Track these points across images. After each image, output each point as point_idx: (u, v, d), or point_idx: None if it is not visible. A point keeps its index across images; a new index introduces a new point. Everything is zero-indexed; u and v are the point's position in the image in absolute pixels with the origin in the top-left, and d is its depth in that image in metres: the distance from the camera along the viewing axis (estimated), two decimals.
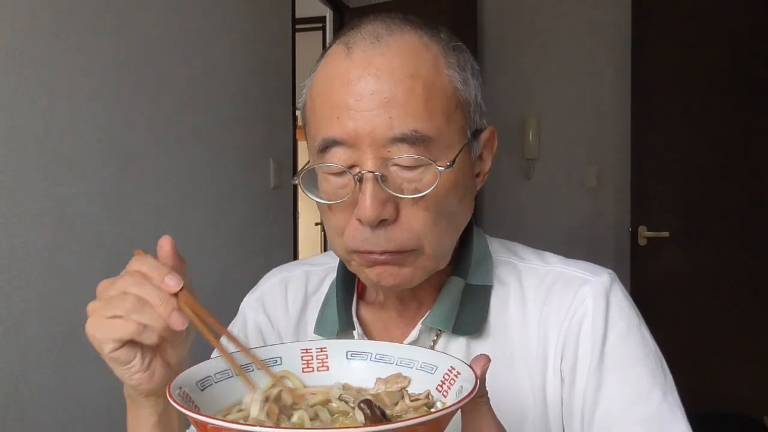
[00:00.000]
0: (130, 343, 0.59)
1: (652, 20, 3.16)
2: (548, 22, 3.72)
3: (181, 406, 0.47)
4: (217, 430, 0.43)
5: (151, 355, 0.62)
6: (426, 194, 0.65)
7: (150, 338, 0.59)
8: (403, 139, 0.64)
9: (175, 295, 0.58)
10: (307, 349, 0.61)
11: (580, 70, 3.67)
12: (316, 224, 5.44)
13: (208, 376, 0.56)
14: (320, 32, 4.56)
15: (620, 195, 3.54)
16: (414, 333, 0.75)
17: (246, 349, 0.59)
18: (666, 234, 3.17)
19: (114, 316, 0.58)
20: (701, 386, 2.97)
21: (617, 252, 3.56)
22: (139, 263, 0.60)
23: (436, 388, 0.54)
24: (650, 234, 3.19)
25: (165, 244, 0.63)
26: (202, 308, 0.59)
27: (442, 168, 0.65)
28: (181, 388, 0.52)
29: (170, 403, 0.48)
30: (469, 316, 0.74)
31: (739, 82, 3.07)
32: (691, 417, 0.72)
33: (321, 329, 0.80)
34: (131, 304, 0.58)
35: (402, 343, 0.75)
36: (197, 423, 0.45)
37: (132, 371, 0.61)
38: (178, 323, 0.57)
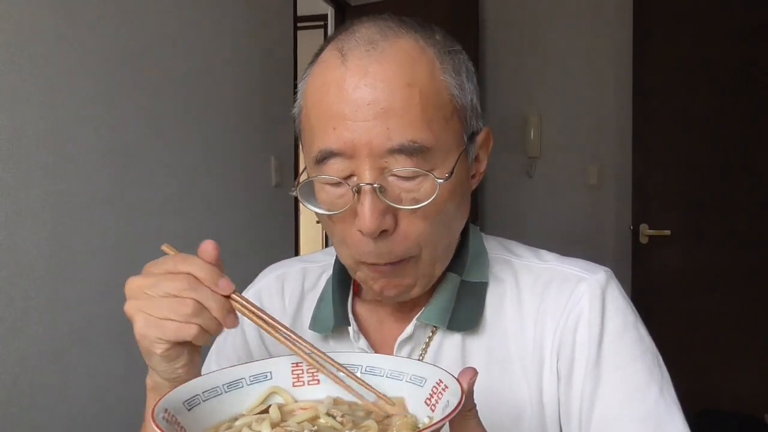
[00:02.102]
0: (182, 342, 0.60)
1: (654, 19, 3.15)
2: (550, 21, 3.71)
3: (164, 431, 0.46)
4: None
5: (194, 349, 0.63)
6: (425, 205, 0.65)
7: (206, 340, 0.61)
8: (401, 150, 0.63)
9: (227, 296, 0.60)
10: (297, 363, 0.61)
11: (582, 69, 3.66)
12: (317, 222, 5.45)
13: (196, 395, 0.55)
14: (322, 30, 4.56)
15: (622, 193, 3.53)
16: (409, 329, 0.75)
17: (309, 343, 0.60)
18: (667, 232, 3.17)
19: (167, 318, 0.59)
20: (702, 385, 2.97)
21: (618, 250, 3.55)
22: (189, 265, 0.60)
23: (425, 402, 0.53)
24: (652, 232, 3.19)
25: (210, 247, 0.62)
26: (254, 304, 0.62)
27: (441, 180, 0.65)
28: (166, 410, 0.51)
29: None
30: (465, 313, 0.75)
31: (740, 81, 3.06)
32: (691, 415, 0.72)
33: (317, 325, 0.80)
34: (192, 308, 0.58)
35: (397, 339, 0.76)
36: None
37: (176, 366, 0.62)
38: (233, 324, 0.60)
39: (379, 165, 0.64)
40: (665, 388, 0.71)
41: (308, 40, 3.99)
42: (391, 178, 0.65)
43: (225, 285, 0.60)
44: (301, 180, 0.70)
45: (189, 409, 0.54)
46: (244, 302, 0.61)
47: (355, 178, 0.65)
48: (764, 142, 3.03)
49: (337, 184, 0.67)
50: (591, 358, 0.71)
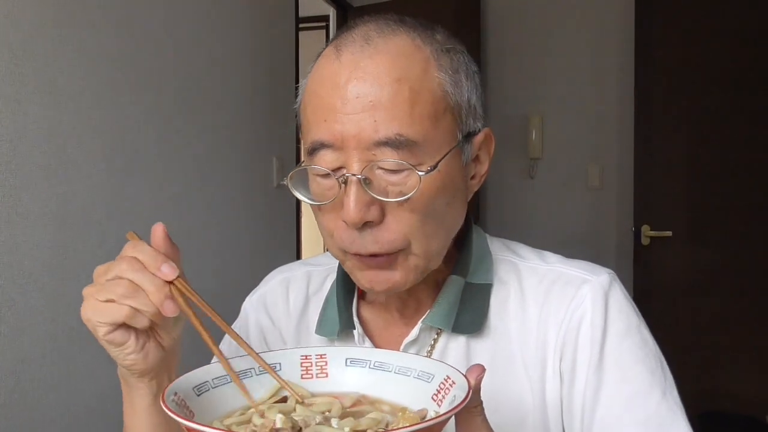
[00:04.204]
0: (124, 326, 0.62)
1: (656, 19, 3.15)
2: (552, 21, 3.72)
3: (173, 413, 0.46)
4: None
5: (145, 337, 0.65)
6: (409, 197, 0.65)
7: (141, 322, 0.61)
8: (387, 143, 0.64)
9: (171, 283, 0.61)
10: (306, 356, 0.61)
11: (584, 69, 3.66)
12: None
13: (205, 381, 0.56)
14: (323, 31, 4.56)
15: (623, 194, 3.53)
16: (414, 332, 0.75)
17: (247, 345, 0.61)
18: (669, 233, 3.17)
19: (107, 300, 0.60)
20: (704, 386, 2.97)
21: (620, 251, 3.55)
22: (136, 250, 0.62)
23: (432, 397, 0.54)
24: (653, 233, 3.19)
25: (158, 230, 0.64)
26: (196, 294, 0.62)
27: (422, 173, 0.65)
28: (176, 393, 0.51)
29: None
30: (469, 315, 0.75)
31: (743, 81, 3.06)
32: (694, 417, 0.72)
33: (322, 329, 0.81)
34: (124, 288, 0.60)
35: (402, 342, 0.76)
36: (190, 431, 0.45)
37: (126, 352, 0.64)
38: (170, 310, 0.60)
39: (367, 157, 0.65)
40: (668, 391, 0.71)
41: (310, 40, 3.99)
42: (378, 171, 0.66)
43: (167, 270, 0.60)
44: (294, 170, 0.71)
45: (198, 395, 0.54)
46: (185, 291, 0.61)
47: (343, 170, 0.66)
48: (766, 142, 3.03)
49: (326, 176, 0.68)
50: (593, 360, 0.71)
